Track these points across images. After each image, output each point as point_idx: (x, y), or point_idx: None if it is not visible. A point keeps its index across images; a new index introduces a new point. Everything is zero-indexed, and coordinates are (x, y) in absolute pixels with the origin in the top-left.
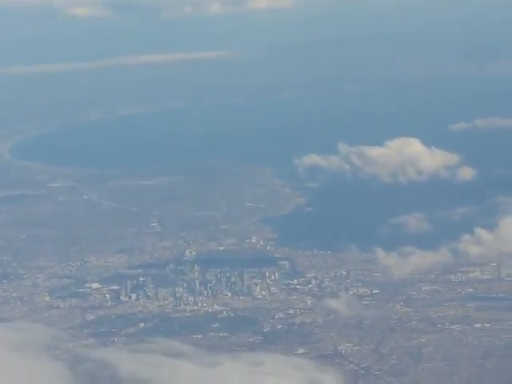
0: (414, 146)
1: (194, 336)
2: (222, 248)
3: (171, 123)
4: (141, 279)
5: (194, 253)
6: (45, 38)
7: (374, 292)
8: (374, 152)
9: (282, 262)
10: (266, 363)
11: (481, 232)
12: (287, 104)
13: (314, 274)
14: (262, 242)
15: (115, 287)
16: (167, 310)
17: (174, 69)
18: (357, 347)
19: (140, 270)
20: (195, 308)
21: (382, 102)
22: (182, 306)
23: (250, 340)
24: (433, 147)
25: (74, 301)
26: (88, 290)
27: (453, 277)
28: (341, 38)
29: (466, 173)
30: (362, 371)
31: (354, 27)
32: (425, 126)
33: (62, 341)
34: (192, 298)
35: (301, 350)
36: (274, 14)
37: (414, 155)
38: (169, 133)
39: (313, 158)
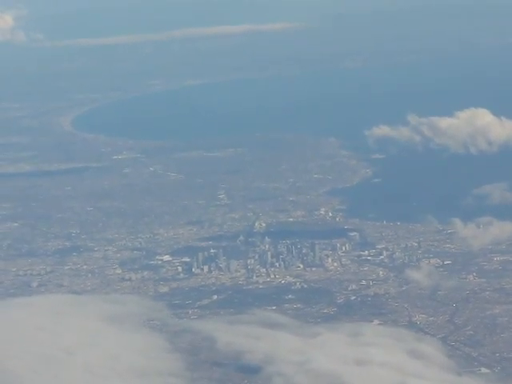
0: (483, 117)
1: (269, 307)
2: (291, 219)
3: (234, 95)
4: (212, 251)
5: (264, 224)
6: (102, 10)
7: (445, 263)
8: (444, 123)
9: (351, 234)
10: (365, 334)
11: None
12: (349, 74)
13: (384, 245)
14: (330, 214)
15: (186, 259)
16: (240, 282)
17: (235, 40)
18: (431, 318)
19: (210, 242)
20: (268, 280)
21: (442, 72)
22: (254, 277)
23: (325, 311)
24: (502, 117)
25: (145, 273)
26: (159, 262)
27: None
28: (397, 8)
29: None
30: (439, 342)
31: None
32: (492, 96)
33: (159, 312)
34: (264, 270)
35: (376, 321)
36: None
37: (484, 126)
38: (232, 104)
39: (382, 129)
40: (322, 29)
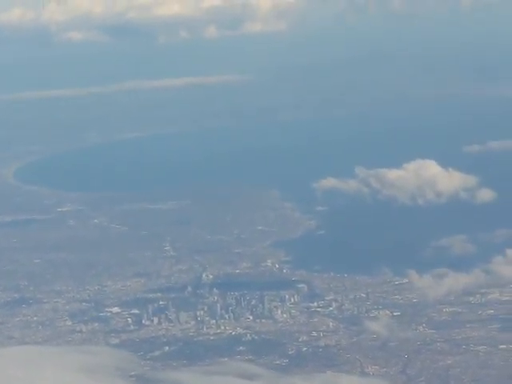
0: (431, 168)
1: (221, 359)
2: (238, 271)
3: (173, 147)
4: (161, 303)
5: (211, 276)
6: (41, 63)
7: (395, 314)
8: (392, 174)
9: (299, 285)
10: None
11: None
12: (291, 126)
13: (333, 297)
14: (277, 265)
15: (136, 311)
16: (190, 334)
17: (173, 93)
18: (384, 369)
19: (159, 294)
20: (218, 331)
21: (387, 123)
22: (204, 329)
23: (277, 362)
24: (450, 169)
25: (96, 325)
26: (109, 314)
27: (472, 298)
28: (338, 59)
29: (485, 195)
30: None
31: (349, 49)
32: (439, 148)
33: (131, 363)
34: (214, 321)
35: (329, 373)
36: (269, 36)
37: (431, 177)
38: (172, 157)
39: (329, 181)
40: (263, 81)
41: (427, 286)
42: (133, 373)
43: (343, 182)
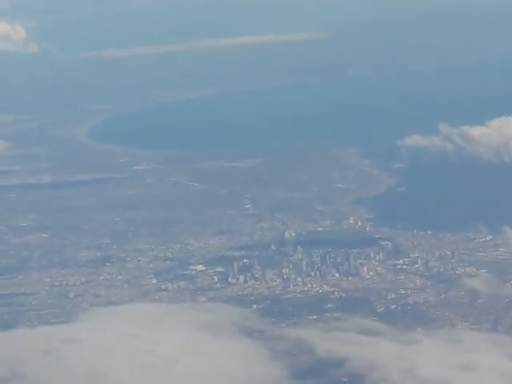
0: None
1: (309, 317)
2: (320, 229)
3: (247, 105)
4: (245, 261)
5: (294, 234)
6: (105, 21)
7: (481, 271)
8: (476, 132)
9: (383, 243)
10: (464, 340)
11: None
12: (365, 83)
13: (418, 254)
14: (359, 223)
15: (221, 269)
16: (277, 292)
17: (242, 52)
18: (475, 326)
19: (242, 252)
20: (305, 289)
21: (464, 81)
22: (291, 287)
23: (366, 320)
24: None
25: (181, 283)
26: (193, 272)
27: None
28: (410, 17)
29: None
30: None
31: (414, 6)
32: None
33: (251, 320)
34: (300, 279)
35: (418, 330)
36: None
37: None
38: (246, 114)
39: (410, 139)
40: (333, 38)
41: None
42: (254, 330)
43: (426, 139)
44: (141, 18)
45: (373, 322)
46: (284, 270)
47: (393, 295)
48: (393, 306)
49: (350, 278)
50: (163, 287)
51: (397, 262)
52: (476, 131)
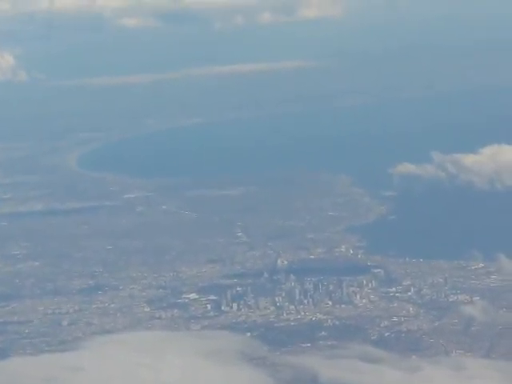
0: (508, 153)
1: (303, 345)
2: (312, 257)
3: (237, 133)
4: (238, 289)
5: (286, 262)
6: (95, 50)
7: (474, 299)
8: (469, 159)
9: (375, 270)
10: (467, 367)
11: None
12: (358, 111)
13: (410, 282)
14: (351, 251)
15: (213, 297)
16: (271, 319)
17: (231, 80)
18: (469, 353)
19: (235, 280)
20: (298, 317)
21: (457, 109)
22: (284, 314)
23: (365, 347)
24: None
25: (175, 311)
26: (186, 300)
27: None
28: (396, 45)
29: None
30: None
31: (405, 36)
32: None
33: (256, 348)
34: (293, 307)
35: (414, 357)
36: (325, 23)
37: (509, 162)
38: (236, 142)
39: (403, 167)
40: (323, 67)
41: (505, 271)
42: (257, 357)
43: (418, 167)
44: (132, 46)
45: (372, 349)
46: (277, 298)
47: (386, 323)
48: (386, 334)
49: (343, 305)
50: (157, 315)
51: (389, 289)
52: (468, 159)
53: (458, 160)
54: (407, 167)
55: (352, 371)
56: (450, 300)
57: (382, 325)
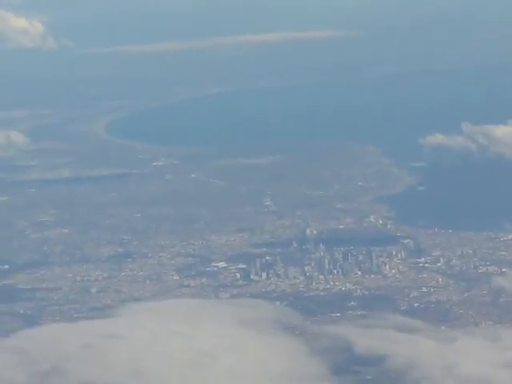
0: None
1: (333, 314)
2: (342, 227)
3: (264, 102)
4: (267, 258)
5: (315, 231)
6: (123, 17)
7: (503, 270)
8: (499, 131)
9: (405, 241)
10: (503, 337)
11: None
12: (388, 82)
13: (440, 253)
14: (380, 221)
15: (243, 266)
16: (300, 289)
17: (260, 49)
18: (498, 325)
19: (264, 249)
20: (328, 286)
21: (490, 79)
22: (314, 284)
23: (390, 318)
24: None
25: (203, 279)
26: (215, 268)
27: None
28: (426, 15)
29: None
30: None
31: (436, 3)
32: None
33: (290, 317)
34: (322, 277)
35: (443, 328)
36: None
37: None
38: (263, 112)
39: (433, 138)
40: (357, 37)
41: None
42: (291, 326)
43: (448, 138)
44: (158, 15)
45: (406, 319)
46: (306, 268)
47: (415, 293)
48: (416, 304)
49: (372, 275)
50: (185, 283)
51: (419, 260)
52: (499, 130)
53: (488, 131)
54: (437, 138)
55: (387, 341)
56: (480, 271)
57: (411, 295)
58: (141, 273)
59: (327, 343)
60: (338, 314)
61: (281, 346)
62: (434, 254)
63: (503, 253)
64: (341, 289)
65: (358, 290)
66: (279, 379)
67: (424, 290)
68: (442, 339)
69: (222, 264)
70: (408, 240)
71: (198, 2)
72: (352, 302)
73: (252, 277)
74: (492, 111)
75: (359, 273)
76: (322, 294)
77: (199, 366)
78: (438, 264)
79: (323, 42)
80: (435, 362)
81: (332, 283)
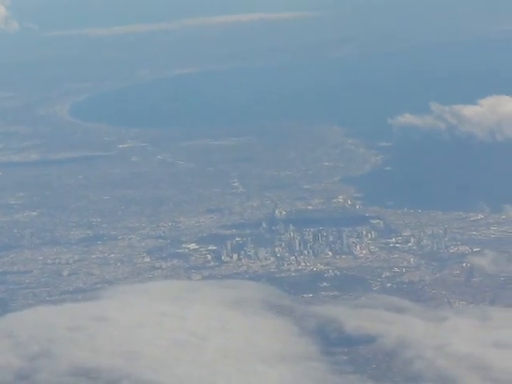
0: (507, 104)
1: (305, 295)
2: (310, 207)
3: (231, 83)
4: (237, 239)
5: (284, 212)
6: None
7: (474, 250)
8: (468, 110)
9: (374, 221)
10: (493, 317)
11: None
12: (352, 62)
13: (410, 233)
14: (349, 201)
15: (213, 247)
16: (272, 270)
17: (227, 30)
18: (471, 304)
19: (234, 230)
20: (299, 267)
21: (458, 58)
22: (285, 265)
23: (362, 298)
24: None
25: (175, 261)
26: (186, 250)
27: None
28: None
29: None
30: None
31: None
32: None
33: (278, 297)
34: (293, 258)
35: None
36: None
37: (508, 113)
38: (229, 93)
39: (402, 118)
40: (323, 17)
41: (504, 222)
42: (280, 305)
43: (417, 117)
44: None
45: (395, 299)
46: (277, 249)
47: (387, 273)
48: (388, 285)
49: (343, 256)
50: (157, 265)
51: (389, 240)
52: (468, 110)
53: (457, 111)
54: (406, 118)
55: (377, 321)
56: (451, 251)
57: (383, 275)
58: (112, 255)
59: (318, 323)
60: (311, 295)
61: (272, 327)
62: (404, 234)
63: (474, 232)
64: (312, 269)
65: (330, 271)
66: (271, 359)
67: (396, 270)
68: (432, 319)
69: (192, 246)
70: (377, 220)
71: None
72: (324, 283)
73: (223, 258)
74: (462, 90)
75: (330, 253)
76: (293, 274)
77: (190, 346)
78: (409, 244)
79: (293, 22)
80: (427, 342)
81: (303, 264)
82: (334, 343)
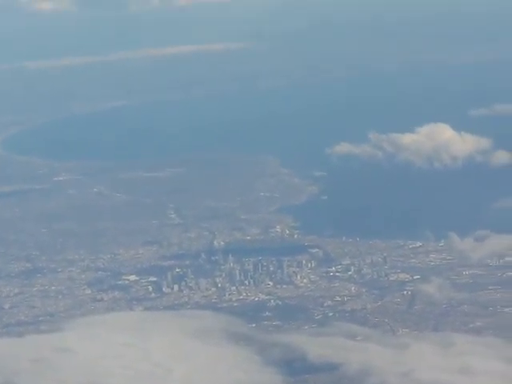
0: (444, 132)
1: (248, 325)
2: (248, 237)
3: (163, 115)
4: (177, 270)
5: (223, 243)
6: (13, 35)
7: (414, 277)
8: (406, 138)
9: (313, 250)
10: (456, 343)
11: None
12: (284, 93)
13: (349, 261)
14: (287, 231)
15: (154, 279)
16: (213, 300)
17: (158, 63)
18: (415, 332)
19: (173, 261)
20: (241, 297)
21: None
22: (226, 295)
23: (305, 328)
24: (462, 132)
25: (116, 293)
26: (127, 281)
27: (489, 261)
28: (320, 25)
29: (501, 157)
30: None
31: (326, 15)
32: (445, 112)
33: (239, 327)
34: (234, 288)
35: (359, 338)
36: (243, 3)
37: (445, 141)
38: (162, 125)
39: (341, 147)
40: (249, 48)
41: (443, 249)
42: (241, 335)
43: (355, 146)
44: (53, 30)
45: (358, 327)
46: (217, 279)
47: (329, 302)
48: (330, 314)
49: (284, 285)
50: (98, 297)
51: (329, 269)
52: (406, 138)
53: (394, 139)
54: (343, 147)
55: (339, 349)
56: (391, 279)
57: (325, 304)
58: (52, 287)
59: (280, 353)
60: (254, 325)
61: (233, 356)
62: (343, 262)
63: (413, 260)
64: (254, 299)
65: (272, 301)
66: None
67: (337, 298)
68: (394, 346)
69: (132, 277)
70: (316, 249)
71: (108, 15)
72: (267, 313)
73: (164, 289)
74: (398, 119)
75: (271, 283)
76: (235, 304)
77: (155, 377)
78: (349, 273)
79: (228, 53)
80: (391, 369)
81: (245, 294)
82: (298, 372)
